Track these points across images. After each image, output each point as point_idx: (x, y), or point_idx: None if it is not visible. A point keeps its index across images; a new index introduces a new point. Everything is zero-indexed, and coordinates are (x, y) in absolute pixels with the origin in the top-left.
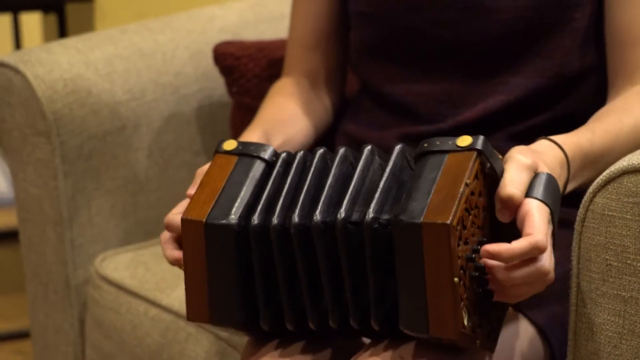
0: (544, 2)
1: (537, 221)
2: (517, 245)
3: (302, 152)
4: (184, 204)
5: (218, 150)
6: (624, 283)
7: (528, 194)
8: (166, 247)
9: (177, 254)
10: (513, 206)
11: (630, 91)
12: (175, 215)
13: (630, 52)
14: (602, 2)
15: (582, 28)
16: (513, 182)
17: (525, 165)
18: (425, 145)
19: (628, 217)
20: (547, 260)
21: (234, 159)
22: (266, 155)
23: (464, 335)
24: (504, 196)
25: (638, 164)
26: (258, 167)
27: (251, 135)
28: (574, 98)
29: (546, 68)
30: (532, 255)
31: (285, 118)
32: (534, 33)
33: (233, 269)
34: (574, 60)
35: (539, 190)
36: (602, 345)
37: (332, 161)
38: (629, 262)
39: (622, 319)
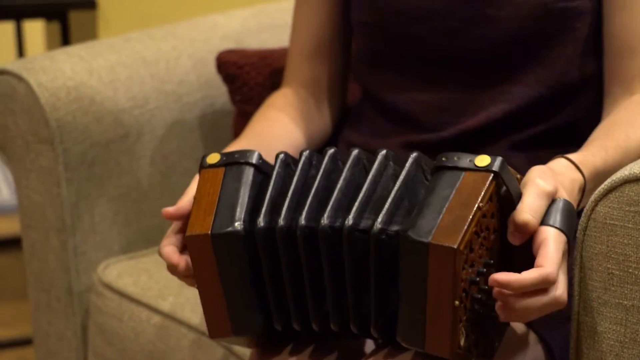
0: (545, 12)
1: (550, 252)
2: (527, 276)
3: (307, 151)
4: (170, 234)
5: (203, 166)
6: (626, 292)
7: (545, 221)
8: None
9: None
10: (526, 232)
11: (630, 101)
12: (167, 246)
13: (628, 60)
14: (601, 11)
15: (583, 37)
16: (530, 208)
17: (545, 192)
18: (443, 159)
19: (630, 226)
20: (564, 291)
21: (221, 170)
22: (253, 159)
23: (459, 355)
24: (519, 222)
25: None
26: (248, 172)
27: (234, 149)
28: (575, 107)
29: (547, 77)
30: (542, 286)
31: (273, 132)
32: (535, 42)
33: (246, 275)
34: (575, 69)
35: (556, 217)
36: (604, 354)
37: (344, 162)
38: (630, 270)
39: (623, 328)
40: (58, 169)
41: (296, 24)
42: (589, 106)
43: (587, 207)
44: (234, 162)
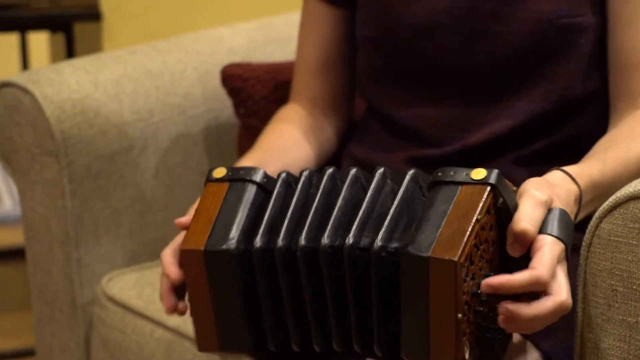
0: (549, 27)
1: (544, 256)
2: (518, 277)
3: (307, 171)
4: (177, 240)
5: (209, 179)
6: (630, 308)
7: (542, 230)
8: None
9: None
10: (526, 241)
11: (634, 115)
12: (170, 256)
13: (632, 76)
14: (606, 27)
15: (587, 53)
16: (527, 217)
17: (540, 202)
18: (439, 174)
19: (634, 242)
20: (568, 295)
21: (225, 185)
22: (257, 178)
23: None
24: (518, 231)
25: None
26: (251, 191)
27: (246, 162)
28: (579, 122)
29: (551, 92)
30: (533, 288)
31: (284, 145)
32: (538, 57)
33: (237, 293)
34: (578, 85)
35: (553, 226)
36: None
37: (342, 182)
38: (634, 287)
39: (627, 345)
40: (63, 181)
41: (302, 40)
42: (593, 121)
43: (591, 223)
44: (239, 179)
